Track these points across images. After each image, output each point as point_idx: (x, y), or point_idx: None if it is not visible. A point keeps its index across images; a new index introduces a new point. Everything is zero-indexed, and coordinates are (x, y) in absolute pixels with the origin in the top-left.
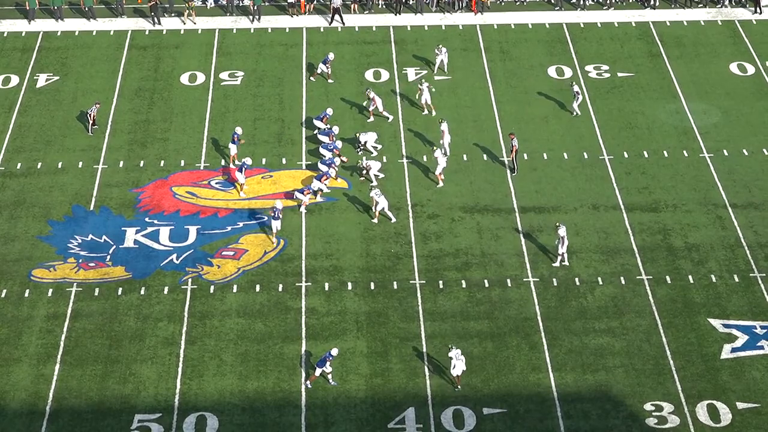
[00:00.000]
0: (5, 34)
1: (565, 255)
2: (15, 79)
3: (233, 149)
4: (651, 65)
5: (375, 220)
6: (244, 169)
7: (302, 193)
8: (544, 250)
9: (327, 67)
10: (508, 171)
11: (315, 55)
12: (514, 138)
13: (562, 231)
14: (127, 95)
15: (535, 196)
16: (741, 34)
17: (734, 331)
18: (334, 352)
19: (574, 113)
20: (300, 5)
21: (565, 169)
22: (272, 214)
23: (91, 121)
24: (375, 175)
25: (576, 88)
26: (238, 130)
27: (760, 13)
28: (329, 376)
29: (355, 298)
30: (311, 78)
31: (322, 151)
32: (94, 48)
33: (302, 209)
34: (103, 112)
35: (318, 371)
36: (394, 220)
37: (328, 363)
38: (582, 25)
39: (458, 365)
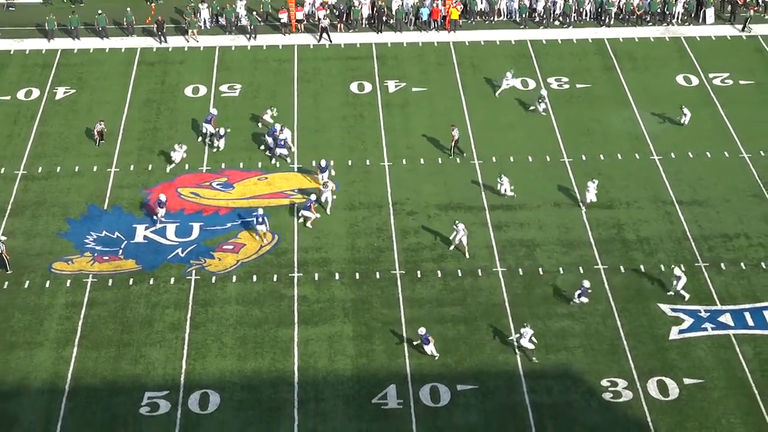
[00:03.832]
0: (27, 52)
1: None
2: (36, 92)
3: (207, 128)
4: (606, 77)
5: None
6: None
7: (309, 210)
8: (510, 243)
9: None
10: (455, 158)
11: (306, 70)
12: (455, 129)
13: (677, 272)
14: (137, 106)
15: (503, 196)
16: (686, 49)
17: (681, 315)
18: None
19: (532, 109)
20: (292, 25)
21: (529, 170)
22: (255, 220)
23: (98, 137)
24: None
25: (544, 92)
26: (214, 111)
27: (749, 31)
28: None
29: (342, 287)
30: (258, 124)
31: (279, 151)
32: (107, 64)
33: (309, 224)
34: (115, 121)
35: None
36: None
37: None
38: (544, 42)
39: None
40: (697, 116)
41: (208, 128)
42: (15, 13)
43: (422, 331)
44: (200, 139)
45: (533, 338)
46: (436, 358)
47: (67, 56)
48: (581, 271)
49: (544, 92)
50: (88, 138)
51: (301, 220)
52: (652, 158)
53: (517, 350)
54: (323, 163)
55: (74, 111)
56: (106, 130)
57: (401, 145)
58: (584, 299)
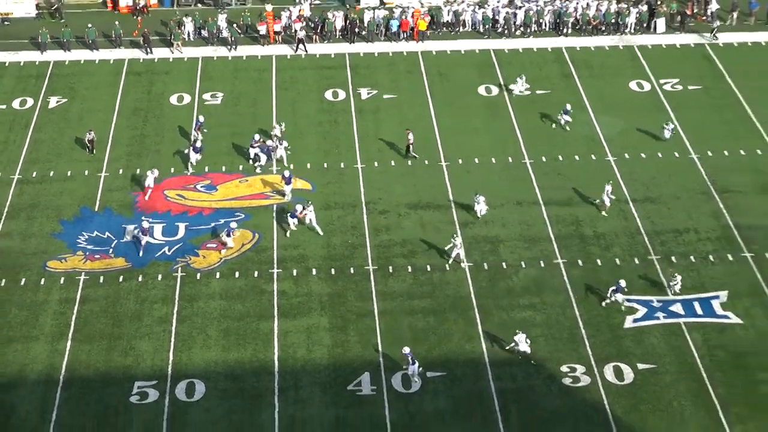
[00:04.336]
0: (22, 63)
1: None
2: (30, 101)
3: (194, 135)
4: (564, 84)
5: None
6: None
7: (295, 217)
8: (476, 240)
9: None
10: (407, 159)
11: (283, 79)
12: (410, 133)
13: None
14: (125, 114)
15: (469, 195)
16: (639, 57)
17: (635, 305)
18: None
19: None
20: (270, 36)
21: (493, 171)
22: (225, 232)
23: (89, 146)
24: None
25: (568, 106)
26: (201, 118)
27: (716, 39)
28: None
29: (318, 282)
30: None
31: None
32: (96, 74)
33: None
34: (104, 128)
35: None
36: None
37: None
38: (507, 51)
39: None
40: (649, 120)
41: (197, 135)
42: (10, 27)
43: (406, 350)
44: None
45: (528, 340)
46: (417, 383)
47: (60, 67)
48: (542, 265)
49: (568, 106)
50: (80, 145)
51: (293, 227)
52: (608, 159)
53: (519, 355)
54: (286, 173)
55: (66, 119)
56: (96, 139)
57: (373, 149)
58: (618, 296)
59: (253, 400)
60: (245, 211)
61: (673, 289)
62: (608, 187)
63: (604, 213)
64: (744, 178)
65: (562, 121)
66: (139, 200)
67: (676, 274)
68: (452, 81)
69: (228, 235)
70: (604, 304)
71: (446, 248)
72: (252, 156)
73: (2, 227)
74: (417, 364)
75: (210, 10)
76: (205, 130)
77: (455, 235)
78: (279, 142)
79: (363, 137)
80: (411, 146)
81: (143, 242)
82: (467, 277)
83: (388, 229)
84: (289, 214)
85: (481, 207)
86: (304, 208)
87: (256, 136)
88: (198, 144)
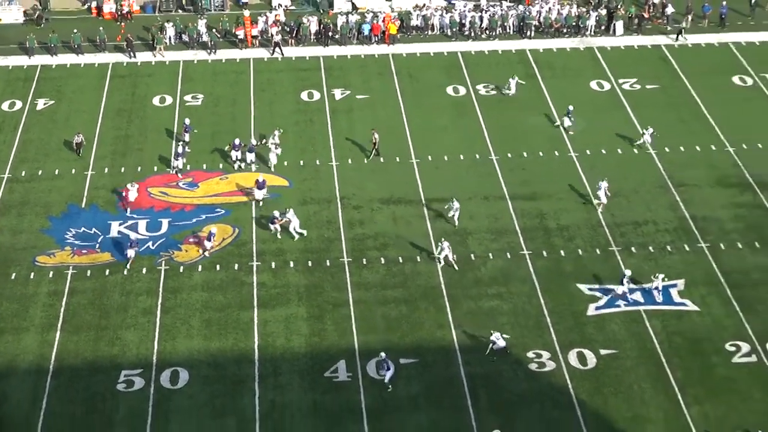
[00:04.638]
0: (10, 68)
1: None
2: (19, 104)
3: (186, 136)
4: (528, 84)
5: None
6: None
7: (274, 224)
8: (445, 233)
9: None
10: (369, 158)
11: (261, 81)
12: (375, 133)
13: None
14: (110, 115)
15: (438, 190)
16: (599, 58)
17: (597, 293)
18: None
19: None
20: (247, 40)
21: (461, 167)
22: (205, 236)
23: (77, 149)
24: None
25: (571, 107)
26: (187, 121)
27: (685, 40)
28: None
29: (296, 274)
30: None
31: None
32: (82, 77)
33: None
34: (90, 129)
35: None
36: (304, 233)
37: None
38: (473, 53)
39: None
40: (608, 117)
41: (185, 136)
42: None
43: (383, 355)
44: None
45: (503, 336)
46: (389, 389)
47: (47, 71)
48: (508, 256)
49: (571, 107)
50: (67, 145)
51: (273, 231)
52: (570, 155)
53: (494, 356)
54: (260, 178)
55: (54, 121)
56: (85, 143)
57: (347, 147)
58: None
59: (235, 387)
60: (225, 207)
61: (657, 287)
62: (603, 184)
63: (600, 210)
64: (699, 172)
65: (567, 123)
66: (123, 199)
67: (658, 275)
68: (421, 82)
69: (208, 240)
70: (620, 290)
71: (436, 253)
72: (235, 158)
73: None
74: (392, 369)
75: (190, 16)
76: (195, 131)
77: (443, 240)
78: (275, 147)
79: (337, 136)
80: (376, 146)
81: (131, 254)
82: (437, 268)
83: (361, 223)
84: (269, 221)
85: (454, 213)
86: (281, 215)
87: (237, 141)
88: (180, 149)
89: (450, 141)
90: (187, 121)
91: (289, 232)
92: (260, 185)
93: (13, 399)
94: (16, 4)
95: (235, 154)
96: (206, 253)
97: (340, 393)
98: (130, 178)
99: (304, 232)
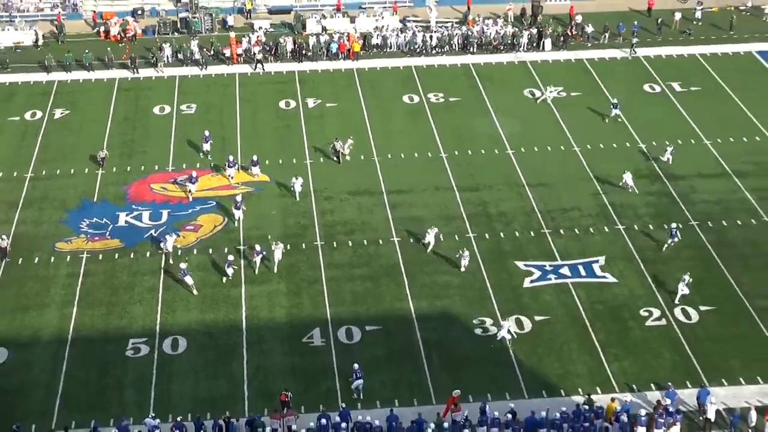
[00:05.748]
0: (31, 83)
1: None
2: (39, 114)
3: (206, 147)
4: (472, 93)
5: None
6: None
7: (260, 254)
8: (403, 219)
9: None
10: (338, 161)
11: (245, 92)
12: (338, 141)
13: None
14: (117, 122)
15: (397, 183)
16: (531, 70)
17: (531, 269)
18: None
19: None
20: (233, 58)
21: (416, 164)
22: (187, 178)
23: (101, 163)
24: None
25: (615, 100)
26: (206, 132)
27: (635, 53)
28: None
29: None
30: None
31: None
32: (93, 91)
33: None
34: (100, 135)
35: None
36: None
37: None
38: (425, 67)
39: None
40: (540, 121)
41: (206, 146)
42: (21, 54)
43: (355, 366)
44: (201, 154)
45: (510, 329)
46: (361, 396)
47: (62, 86)
48: (456, 239)
49: (615, 100)
50: (82, 148)
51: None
52: (507, 152)
53: (506, 341)
54: (238, 198)
55: (69, 128)
56: (109, 156)
57: (319, 148)
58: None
59: (226, 353)
60: (216, 199)
61: (680, 289)
62: (627, 175)
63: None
64: (616, 165)
65: (612, 114)
66: (129, 192)
67: (685, 276)
68: (381, 92)
69: (191, 182)
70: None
71: (456, 256)
72: (204, 150)
73: (18, 216)
74: (362, 380)
75: (184, 37)
76: (211, 142)
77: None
78: (295, 177)
79: (310, 138)
80: (340, 152)
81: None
82: (397, 249)
83: (332, 212)
84: (255, 251)
85: (430, 240)
86: (271, 247)
87: (207, 132)
88: (230, 159)
89: (406, 142)
90: (207, 132)
91: (272, 263)
92: (237, 206)
93: (37, 366)
94: (36, 28)
95: (206, 147)
96: (190, 197)
97: (316, 356)
98: (134, 176)
99: (275, 269)
